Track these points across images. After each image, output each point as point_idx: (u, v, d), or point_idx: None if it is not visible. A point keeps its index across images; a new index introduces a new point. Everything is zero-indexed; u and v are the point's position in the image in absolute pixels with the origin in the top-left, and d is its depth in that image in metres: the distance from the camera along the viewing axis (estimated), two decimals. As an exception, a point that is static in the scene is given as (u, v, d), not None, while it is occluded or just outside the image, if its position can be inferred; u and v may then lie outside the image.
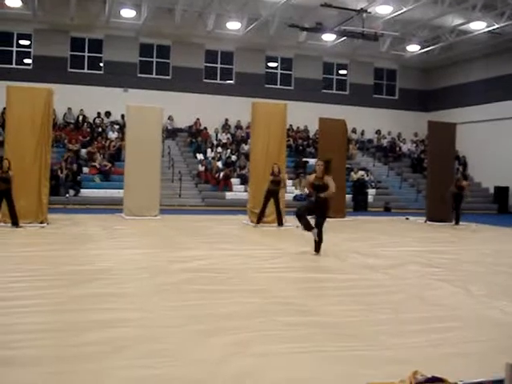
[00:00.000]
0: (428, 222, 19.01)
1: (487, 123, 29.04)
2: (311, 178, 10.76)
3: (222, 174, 25.48)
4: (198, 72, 29.85)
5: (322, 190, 10.27)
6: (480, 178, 30.42)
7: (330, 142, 19.50)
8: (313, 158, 26.12)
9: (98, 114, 28.10)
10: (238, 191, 25.02)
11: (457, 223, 18.35)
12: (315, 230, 10.27)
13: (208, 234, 13.73)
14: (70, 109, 27.34)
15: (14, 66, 27.26)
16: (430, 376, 3.93)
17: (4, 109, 18.25)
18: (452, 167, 20.79)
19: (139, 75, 29.01)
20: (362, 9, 23.65)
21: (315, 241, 10.35)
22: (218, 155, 27.37)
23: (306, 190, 12.29)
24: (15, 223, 13.66)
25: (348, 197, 23.05)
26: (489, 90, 29.05)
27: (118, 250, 10.62)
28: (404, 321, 5.91)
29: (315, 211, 10.56)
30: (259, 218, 15.89)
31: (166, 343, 4.91)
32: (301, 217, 10.35)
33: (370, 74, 33.25)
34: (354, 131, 31.24)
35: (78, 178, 23.36)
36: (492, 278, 8.94)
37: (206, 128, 29.38)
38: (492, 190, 29.37)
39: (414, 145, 32.79)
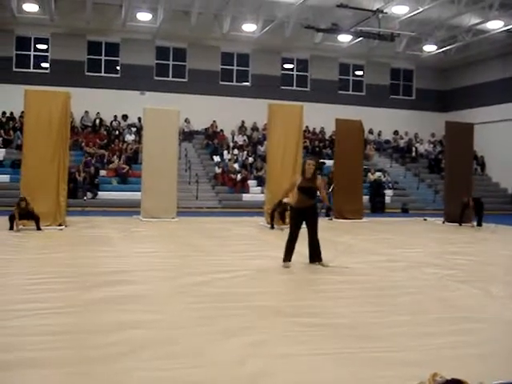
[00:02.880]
0: (446, 223, 18.89)
1: (505, 123, 28.79)
2: (296, 180, 9.37)
3: (238, 176, 25.50)
4: (214, 74, 29.90)
5: (311, 193, 9.17)
6: (498, 178, 30.17)
7: (347, 143, 19.46)
8: (330, 159, 26.06)
9: (115, 116, 28.26)
10: (254, 193, 25.00)
11: (479, 225, 18.17)
12: (288, 264, 9.11)
13: (225, 236, 13.75)
14: (87, 112, 27.52)
15: (31, 70, 27.49)
16: (449, 378, 3.90)
17: (22, 112, 18.41)
18: (470, 168, 20.63)
19: (156, 78, 29.12)
20: (378, 9, 23.54)
21: (285, 252, 9.21)
22: (235, 157, 27.39)
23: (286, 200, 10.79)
24: (38, 228, 13.79)
25: (365, 198, 22.94)
26: (506, 89, 28.78)
27: (135, 252, 10.65)
28: (422, 322, 5.87)
29: (308, 221, 9.25)
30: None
31: (183, 345, 4.92)
32: (288, 247, 9.23)
33: (386, 75, 33.11)
34: (370, 132, 31.11)
35: (96, 180, 23.49)
36: (511, 278, 8.86)
37: (222, 130, 29.41)
38: (510, 191, 29.12)
39: (432, 145, 32.58)
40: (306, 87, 31.52)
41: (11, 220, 13.67)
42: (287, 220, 15.23)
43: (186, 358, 4.56)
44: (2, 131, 25.60)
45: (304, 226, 9.33)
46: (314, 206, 9.29)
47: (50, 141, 14.83)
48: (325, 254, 9.39)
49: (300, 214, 9.23)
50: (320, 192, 9.43)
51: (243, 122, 30.00)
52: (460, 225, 18.10)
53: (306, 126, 27.76)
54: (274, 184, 16.52)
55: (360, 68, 32.87)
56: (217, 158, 27.48)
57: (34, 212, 13.80)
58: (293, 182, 9.44)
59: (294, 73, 31.78)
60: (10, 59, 27.11)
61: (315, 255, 9.36)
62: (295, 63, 31.79)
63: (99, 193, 23.18)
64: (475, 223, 18.23)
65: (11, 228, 13.57)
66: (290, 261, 9.19)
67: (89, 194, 22.66)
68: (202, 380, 4.16)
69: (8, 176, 22.41)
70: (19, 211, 13.61)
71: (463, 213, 18.11)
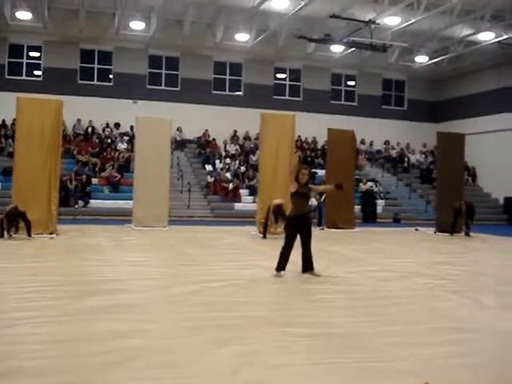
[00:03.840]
0: (437, 233, 18.94)
1: (497, 134, 28.96)
2: (291, 189, 9.34)
3: (230, 185, 25.50)
4: (207, 83, 29.96)
5: (307, 199, 9.33)
6: (489, 188, 30.31)
7: (339, 153, 19.50)
8: (322, 168, 26.09)
9: (107, 124, 28.24)
10: (246, 202, 25.01)
11: (467, 234, 18.29)
12: (280, 274, 9.10)
13: (216, 245, 13.73)
14: (79, 120, 27.51)
15: (24, 77, 27.50)
16: (440, 388, 3.91)
17: (14, 120, 18.38)
18: (461, 178, 20.74)
19: (148, 87, 29.16)
20: (370, 20, 23.69)
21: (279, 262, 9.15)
22: (227, 166, 27.40)
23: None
24: (29, 235, 13.75)
25: (357, 208, 23.00)
26: (498, 100, 29.00)
27: (127, 261, 10.62)
28: (414, 332, 5.88)
29: (303, 231, 9.19)
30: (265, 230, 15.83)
31: (175, 354, 4.90)
32: (284, 256, 9.12)
33: (378, 85, 33.27)
34: (362, 142, 31.19)
35: (88, 188, 23.45)
36: (502, 289, 8.89)
37: (214, 139, 29.45)
38: (502, 201, 29.24)
39: (423, 156, 32.71)
40: (299, 97, 31.63)
41: (0, 226, 13.63)
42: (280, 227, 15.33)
43: (179, 368, 4.54)
44: (-7, 139, 25.54)
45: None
46: (309, 215, 9.26)
47: (42, 149, 14.81)
48: (317, 263, 9.40)
49: (297, 222, 9.19)
50: (317, 192, 9.44)
51: (235, 131, 30.06)
52: (452, 234, 18.17)
53: (299, 136, 27.81)
54: (266, 193, 16.54)
55: (352, 78, 33.03)
56: (209, 167, 27.53)
57: (25, 215, 13.74)
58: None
59: (287, 82, 31.90)
60: (3, 67, 27.15)
61: (308, 265, 9.33)
62: (288, 73, 31.91)
63: (91, 201, 23.17)
64: (464, 232, 18.35)
65: (1, 235, 13.52)
66: (284, 270, 9.14)
67: (80, 203, 22.64)
68: (194, 390, 4.15)
69: (0, 184, 22.33)
70: (6, 213, 13.60)
71: (456, 220, 18.19)
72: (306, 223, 9.26)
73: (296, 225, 9.20)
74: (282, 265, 9.15)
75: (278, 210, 14.83)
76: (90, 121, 27.73)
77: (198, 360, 4.75)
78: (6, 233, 13.49)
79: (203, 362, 4.70)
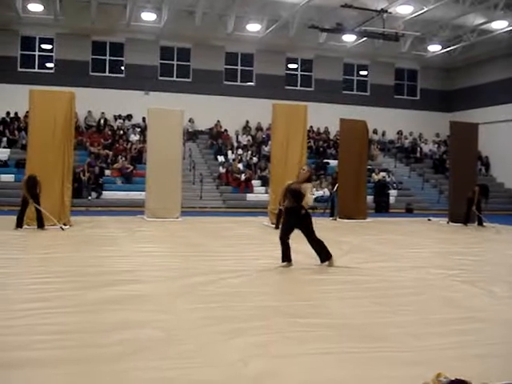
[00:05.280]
0: (451, 223, 18.86)
1: (510, 123, 28.74)
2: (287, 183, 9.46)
3: (243, 176, 25.50)
4: (219, 74, 29.93)
5: (296, 195, 9.04)
6: (503, 178, 30.13)
7: (351, 143, 19.43)
8: (334, 159, 26.04)
9: (119, 116, 28.30)
10: (258, 193, 25.02)
11: (480, 224, 18.20)
12: (288, 264, 9.06)
13: (229, 236, 13.74)
14: (90, 112, 27.57)
15: (36, 70, 27.58)
16: (453, 378, 3.89)
17: (27, 112, 18.45)
18: (475, 168, 20.61)
19: (160, 78, 29.17)
20: (382, 9, 23.51)
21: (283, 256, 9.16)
22: (239, 157, 27.40)
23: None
24: (41, 226, 13.85)
25: (369, 198, 22.95)
26: (511, 89, 28.72)
27: (139, 252, 10.66)
28: (427, 322, 5.86)
29: (298, 225, 9.19)
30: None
31: (187, 345, 4.91)
32: (283, 241, 9.14)
33: (390, 75, 33.09)
34: (375, 132, 31.07)
35: (100, 180, 23.54)
36: (516, 279, 8.84)
37: (226, 130, 29.44)
38: (515, 191, 29.09)
39: (436, 145, 32.55)
40: (311, 87, 31.52)
41: (20, 218, 13.75)
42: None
43: (190, 359, 4.55)
44: (6, 131, 25.68)
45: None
46: (299, 209, 9.02)
47: (55, 141, 14.86)
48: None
49: (289, 215, 9.19)
50: (304, 197, 9.11)
51: (247, 121, 30.02)
52: (465, 225, 18.08)
53: (311, 126, 27.76)
54: (278, 184, 16.48)
55: (364, 68, 32.87)
56: (221, 158, 27.52)
57: (39, 196, 13.90)
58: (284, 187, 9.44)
59: (299, 73, 31.80)
60: (15, 59, 27.23)
61: (320, 254, 9.27)
62: (299, 63, 31.80)
63: (104, 192, 23.25)
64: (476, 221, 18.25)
65: (19, 226, 13.63)
66: (289, 260, 9.08)
67: (93, 194, 22.71)
68: (206, 380, 4.15)
69: (13, 176, 22.49)
70: (27, 190, 13.77)
71: (469, 210, 18.10)
72: (299, 217, 9.07)
73: (288, 216, 9.21)
74: (285, 255, 9.09)
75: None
76: (103, 113, 27.81)
77: (210, 350, 4.76)
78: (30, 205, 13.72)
79: (215, 353, 4.71)
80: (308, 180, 9.31)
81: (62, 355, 4.57)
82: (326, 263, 9.26)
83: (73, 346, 4.82)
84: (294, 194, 9.07)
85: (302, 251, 9.39)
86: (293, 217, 9.10)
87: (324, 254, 9.29)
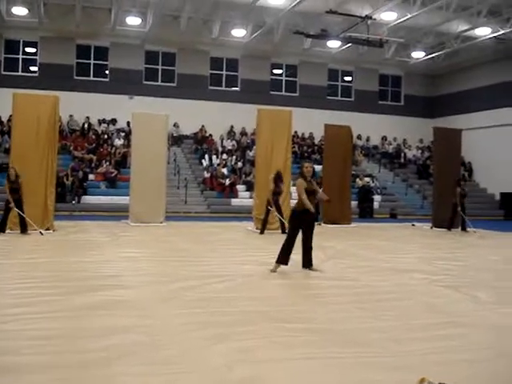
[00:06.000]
0: (434, 229, 18.96)
1: (493, 129, 29.00)
2: (302, 182, 9.13)
3: (227, 181, 25.49)
4: (204, 79, 29.93)
5: (313, 195, 9.19)
6: (486, 184, 30.38)
7: (336, 149, 19.50)
8: (318, 164, 26.05)
9: (104, 120, 28.20)
10: (243, 198, 25.01)
11: (463, 229, 18.29)
12: (276, 268, 9.03)
13: (213, 241, 13.72)
14: (71, 116, 27.36)
15: (20, 73, 27.45)
16: (437, 383, 3.92)
17: (10, 116, 18.31)
18: (458, 173, 20.73)
19: (145, 82, 29.12)
20: (366, 15, 23.65)
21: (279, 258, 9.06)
22: (224, 162, 27.38)
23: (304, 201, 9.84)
24: (24, 230, 13.74)
25: (353, 203, 23.03)
26: (494, 95, 29.00)
27: (123, 256, 10.61)
28: (409, 328, 5.88)
29: (308, 226, 9.20)
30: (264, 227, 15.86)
31: (171, 350, 4.91)
32: (287, 250, 9.01)
33: (375, 81, 33.29)
34: (359, 138, 31.22)
35: (84, 184, 23.42)
36: (499, 284, 8.89)
37: (211, 135, 29.43)
38: (498, 197, 29.31)
39: (420, 151, 32.74)
40: (295, 92, 31.61)
41: (3, 223, 13.67)
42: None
43: (176, 364, 4.55)
44: (-11, 135, 25.48)
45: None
46: (313, 212, 9.12)
47: (38, 144, 14.78)
48: (314, 259, 9.40)
49: (303, 217, 9.09)
50: (319, 192, 9.43)
51: (232, 126, 30.06)
52: (449, 230, 18.17)
53: (295, 131, 27.80)
54: (263, 189, 16.53)
55: (349, 74, 33.04)
56: (206, 163, 27.48)
57: (20, 190, 13.81)
58: (301, 186, 9.07)
59: (283, 78, 31.90)
60: (-1, 62, 27.04)
61: (308, 260, 9.32)
62: (284, 68, 31.89)
63: (87, 197, 23.13)
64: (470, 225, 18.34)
65: (1, 231, 13.54)
66: (286, 264, 9.06)
67: (77, 199, 22.59)
68: (191, 385, 4.15)
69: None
70: (10, 186, 13.68)
71: (455, 215, 18.17)
72: (312, 218, 9.23)
73: (302, 218, 9.12)
74: (285, 258, 9.05)
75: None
76: (87, 117, 27.69)
77: (195, 356, 4.76)
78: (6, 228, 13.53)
79: (199, 358, 4.70)
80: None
81: (49, 361, 4.54)
82: (307, 269, 9.25)
83: (59, 351, 4.79)
84: (313, 194, 9.15)
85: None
86: (307, 218, 9.09)
87: (309, 261, 9.30)
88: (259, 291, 7.76)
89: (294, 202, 9.81)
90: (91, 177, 24.54)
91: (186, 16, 26.74)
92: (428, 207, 24.43)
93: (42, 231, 14.09)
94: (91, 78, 28.52)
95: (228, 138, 29.78)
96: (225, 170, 26.59)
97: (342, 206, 19.34)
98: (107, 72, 28.83)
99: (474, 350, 5.18)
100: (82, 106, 26.88)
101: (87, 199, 23.11)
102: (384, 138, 32.66)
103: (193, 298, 6.99)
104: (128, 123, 26.16)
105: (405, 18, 24.67)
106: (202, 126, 29.37)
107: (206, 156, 27.94)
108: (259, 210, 16.46)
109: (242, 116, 27.58)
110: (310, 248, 9.31)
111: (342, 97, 32.77)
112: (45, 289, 7.28)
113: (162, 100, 27.17)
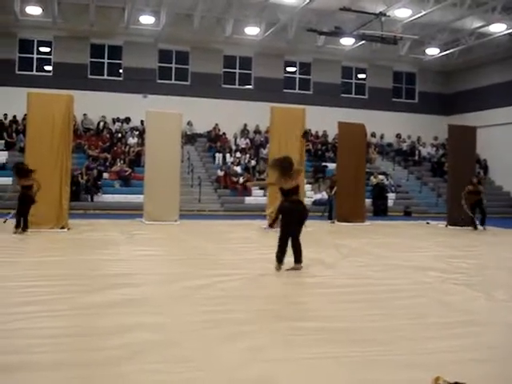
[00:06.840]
0: (449, 227, 18.84)
1: (508, 126, 28.76)
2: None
3: (241, 179, 25.49)
4: (217, 77, 29.94)
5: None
6: (501, 181, 30.16)
7: (350, 147, 19.41)
8: (332, 162, 26.03)
9: (118, 119, 28.30)
10: (257, 196, 25.00)
11: (475, 228, 18.12)
12: (280, 266, 8.94)
13: (227, 239, 13.72)
14: (85, 115, 27.43)
15: (34, 72, 27.57)
16: (452, 382, 3.89)
17: (25, 115, 18.42)
18: (473, 171, 20.56)
19: (158, 81, 29.16)
20: (380, 12, 23.54)
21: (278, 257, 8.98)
22: (237, 160, 27.39)
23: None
24: (25, 228, 13.67)
25: (368, 201, 22.94)
26: (509, 92, 28.75)
27: (137, 255, 10.63)
28: (424, 326, 5.85)
29: (300, 221, 9.23)
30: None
31: (184, 348, 4.91)
32: (284, 248, 8.98)
33: (389, 78, 33.10)
34: (373, 135, 31.06)
35: (99, 183, 23.53)
36: (514, 282, 8.83)
37: (224, 133, 29.44)
38: (513, 194, 29.12)
39: (434, 148, 32.56)
40: (309, 90, 31.53)
41: (19, 217, 13.66)
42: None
43: (187, 362, 4.54)
44: (4, 134, 25.64)
45: None
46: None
47: (53, 143, 14.82)
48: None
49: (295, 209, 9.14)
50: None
51: (245, 124, 30.03)
52: (475, 229, 17.97)
53: (309, 129, 27.71)
54: (276, 187, 16.46)
55: (362, 71, 32.90)
56: (219, 161, 27.49)
57: (33, 188, 13.75)
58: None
59: (297, 76, 31.81)
60: (13, 62, 27.20)
61: (298, 256, 9.11)
62: (298, 66, 31.81)
63: (102, 195, 23.25)
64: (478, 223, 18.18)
65: (17, 226, 13.52)
66: (281, 264, 8.97)
67: (89, 197, 22.72)
68: None
69: (10, 179, 22.38)
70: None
71: (474, 213, 18.06)
72: (304, 211, 9.24)
73: (299, 215, 9.14)
74: (282, 258, 8.98)
75: None
76: (103, 116, 27.82)
77: (208, 354, 4.75)
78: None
79: (213, 357, 4.69)
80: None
81: (61, 359, 4.55)
82: (298, 265, 9.04)
83: (71, 349, 4.80)
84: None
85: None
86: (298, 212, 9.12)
87: (300, 257, 9.12)
88: (272, 289, 7.75)
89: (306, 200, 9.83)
90: (105, 175, 24.64)
91: (199, 14, 26.74)
92: (442, 205, 24.29)
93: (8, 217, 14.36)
94: (105, 77, 28.61)
95: (241, 137, 29.77)
96: (238, 169, 26.59)
97: (356, 203, 19.27)
98: (121, 71, 28.90)
99: (489, 348, 5.13)
100: (96, 105, 26.97)
101: (102, 197, 23.22)
102: (398, 136, 32.49)
103: (206, 296, 6.99)
104: (142, 122, 26.18)
105: (419, 15, 24.51)
106: (216, 125, 29.37)
107: (220, 154, 27.95)
108: (272, 208, 16.40)
109: (256, 114, 27.52)
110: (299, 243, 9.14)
111: (355, 94, 32.62)
112: (59, 287, 7.31)
113: (176, 98, 27.16)
